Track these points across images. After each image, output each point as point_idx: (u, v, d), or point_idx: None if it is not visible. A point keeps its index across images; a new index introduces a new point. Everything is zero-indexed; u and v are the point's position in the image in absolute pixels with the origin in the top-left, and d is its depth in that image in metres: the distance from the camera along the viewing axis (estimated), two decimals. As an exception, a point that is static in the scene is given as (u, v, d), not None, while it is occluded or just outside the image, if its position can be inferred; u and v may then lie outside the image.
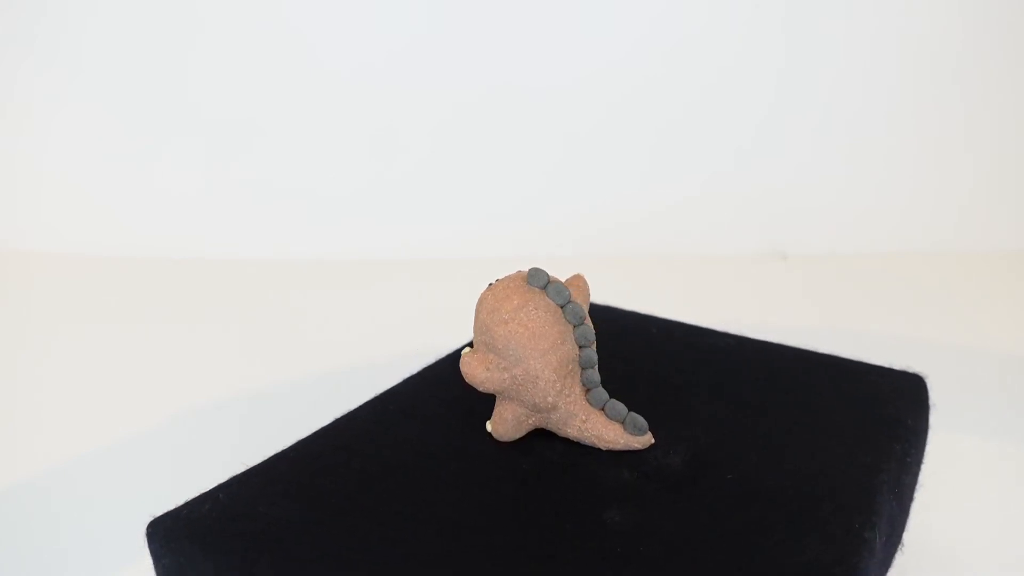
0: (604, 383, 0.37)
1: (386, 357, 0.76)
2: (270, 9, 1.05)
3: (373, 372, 0.73)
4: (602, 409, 0.37)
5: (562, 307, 0.35)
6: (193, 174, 1.10)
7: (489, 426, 0.38)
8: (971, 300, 0.92)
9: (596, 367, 0.36)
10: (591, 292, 0.39)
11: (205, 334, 0.85)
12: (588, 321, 0.36)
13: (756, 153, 1.09)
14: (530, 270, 0.35)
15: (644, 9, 1.05)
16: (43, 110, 1.09)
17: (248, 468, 0.37)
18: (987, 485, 0.57)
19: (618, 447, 0.37)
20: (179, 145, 1.10)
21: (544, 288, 0.35)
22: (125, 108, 1.08)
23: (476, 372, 0.35)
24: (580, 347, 0.35)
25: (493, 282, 0.36)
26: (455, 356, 0.46)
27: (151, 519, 0.34)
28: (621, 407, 0.36)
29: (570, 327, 0.35)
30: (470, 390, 0.39)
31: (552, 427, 0.37)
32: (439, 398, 0.42)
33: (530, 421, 0.37)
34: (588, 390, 0.36)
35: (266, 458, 0.38)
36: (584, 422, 0.36)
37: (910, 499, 0.43)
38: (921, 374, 0.45)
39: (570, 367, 0.35)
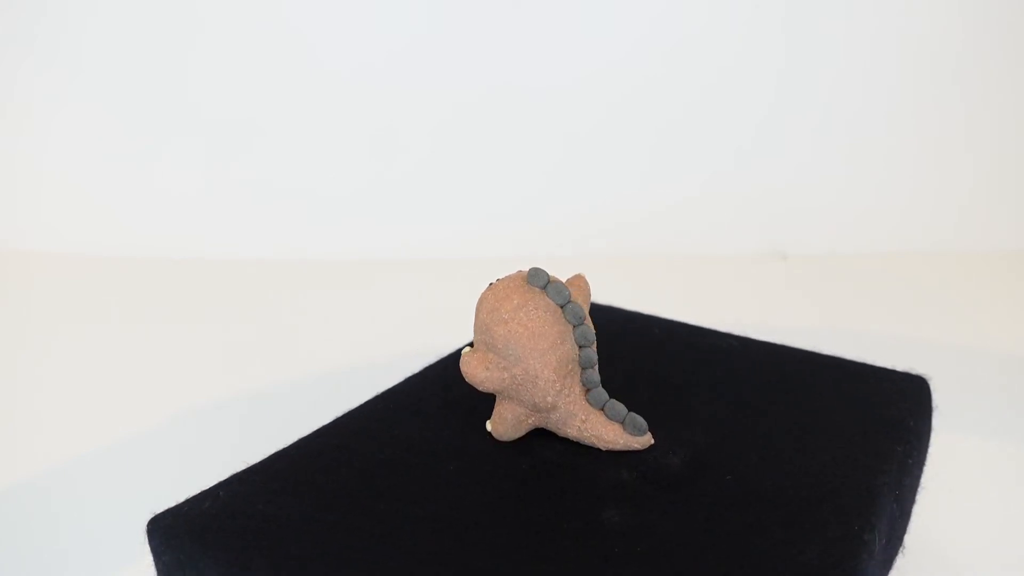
0: (605, 383, 0.37)
1: (386, 357, 0.76)
2: (270, 9, 1.05)
3: (373, 372, 0.73)
4: (602, 409, 0.37)
5: (562, 307, 0.35)
6: (193, 174, 1.10)
7: (489, 425, 0.38)
8: (971, 300, 0.92)
9: (596, 367, 0.36)
10: (591, 292, 0.39)
11: (205, 334, 0.85)
12: (588, 321, 0.36)
13: (756, 153, 1.09)
14: (530, 270, 0.35)
15: (644, 9, 1.05)
16: (43, 110, 1.09)
17: (248, 466, 0.37)
18: (988, 486, 0.56)
19: (617, 447, 0.37)
20: (179, 145, 1.10)
21: (544, 288, 0.35)
22: (125, 108, 1.08)
23: (476, 371, 0.35)
24: (580, 347, 0.35)
25: (493, 282, 0.36)
26: (456, 356, 0.46)
27: (151, 516, 0.34)
28: (621, 407, 0.36)
29: (570, 327, 0.35)
30: (470, 389, 0.39)
31: (552, 427, 0.37)
32: (439, 397, 0.42)
33: (530, 421, 0.37)
34: (588, 390, 0.36)
35: (266, 456, 0.38)
36: (584, 422, 0.36)
37: (911, 501, 0.42)
38: (925, 376, 0.45)
39: (570, 367, 0.35)
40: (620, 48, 1.06)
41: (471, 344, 0.37)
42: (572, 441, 0.37)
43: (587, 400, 0.36)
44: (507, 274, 0.37)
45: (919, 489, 0.44)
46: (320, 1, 1.05)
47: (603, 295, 0.52)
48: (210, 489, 0.35)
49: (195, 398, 0.70)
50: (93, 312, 0.91)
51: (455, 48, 1.06)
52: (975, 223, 1.08)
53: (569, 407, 0.36)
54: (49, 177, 1.10)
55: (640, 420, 0.37)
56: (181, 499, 0.35)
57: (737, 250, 1.07)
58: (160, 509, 0.35)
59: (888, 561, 0.39)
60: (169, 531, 0.33)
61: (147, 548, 0.34)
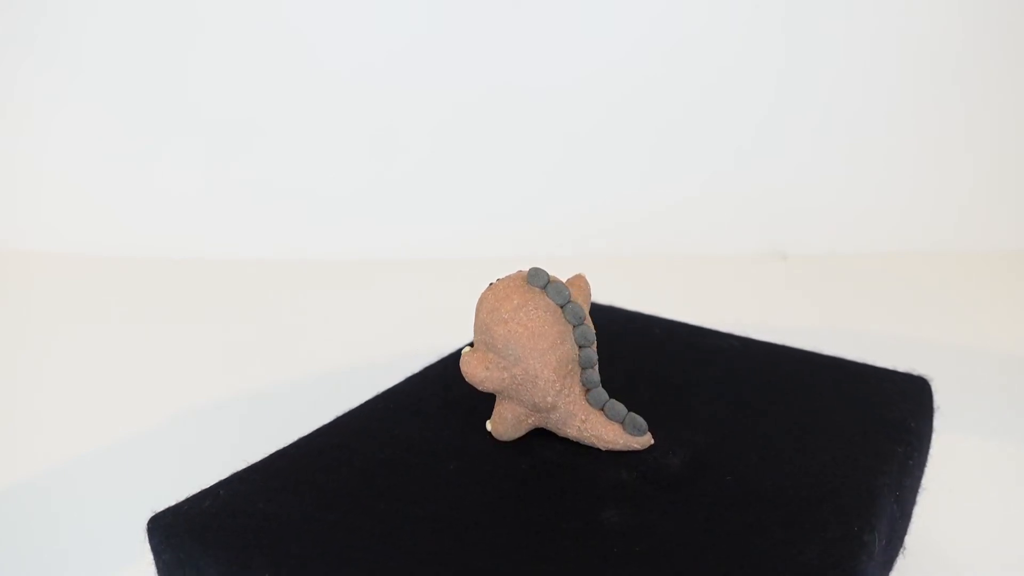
0: (605, 383, 0.37)
1: (386, 357, 0.76)
2: (270, 9, 1.05)
3: (373, 372, 0.73)
4: (602, 409, 0.37)
5: (562, 307, 0.35)
6: (193, 174, 1.10)
7: (489, 425, 0.38)
8: (971, 300, 0.92)
9: (596, 367, 0.36)
10: (592, 292, 0.39)
11: (205, 334, 0.85)
12: (588, 321, 0.36)
13: (756, 153, 1.09)
14: (530, 270, 0.35)
15: (644, 9, 1.05)
16: (43, 110, 1.09)
17: (249, 465, 0.37)
18: (988, 487, 0.56)
19: (617, 447, 0.37)
20: (179, 145, 1.10)
21: (544, 288, 0.35)
22: (125, 108, 1.08)
23: (476, 371, 0.35)
24: (580, 347, 0.35)
25: (494, 282, 0.36)
26: (457, 356, 0.46)
27: (152, 514, 0.34)
28: (620, 407, 0.36)
29: (570, 327, 0.35)
30: (471, 389, 0.39)
31: (552, 427, 0.37)
32: (440, 397, 0.42)
33: (530, 421, 0.37)
34: (588, 390, 0.36)
35: (266, 455, 0.38)
36: (584, 422, 0.36)
37: (912, 502, 0.42)
38: (926, 377, 0.45)
39: (569, 367, 0.35)
40: (620, 48, 1.06)
41: (471, 344, 0.37)
42: (572, 441, 0.37)
43: (587, 400, 0.36)
44: (507, 274, 0.37)
45: (920, 490, 0.44)
46: (320, 1, 1.05)
47: (603, 295, 0.52)
48: (210, 488, 0.35)
49: (195, 398, 0.70)
50: (93, 312, 0.91)
51: (455, 48, 1.06)
52: (975, 223, 1.08)
53: (569, 407, 0.36)
54: (49, 177, 1.10)
55: (640, 420, 0.37)
56: (181, 499, 0.35)
57: (737, 250, 1.07)
58: (160, 509, 0.35)
59: (888, 562, 0.39)
60: (169, 529, 0.33)
61: (147, 548, 0.34)
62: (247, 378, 0.73)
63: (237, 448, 0.43)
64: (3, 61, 1.07)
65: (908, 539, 0.43)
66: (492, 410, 0.38)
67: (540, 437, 0.38)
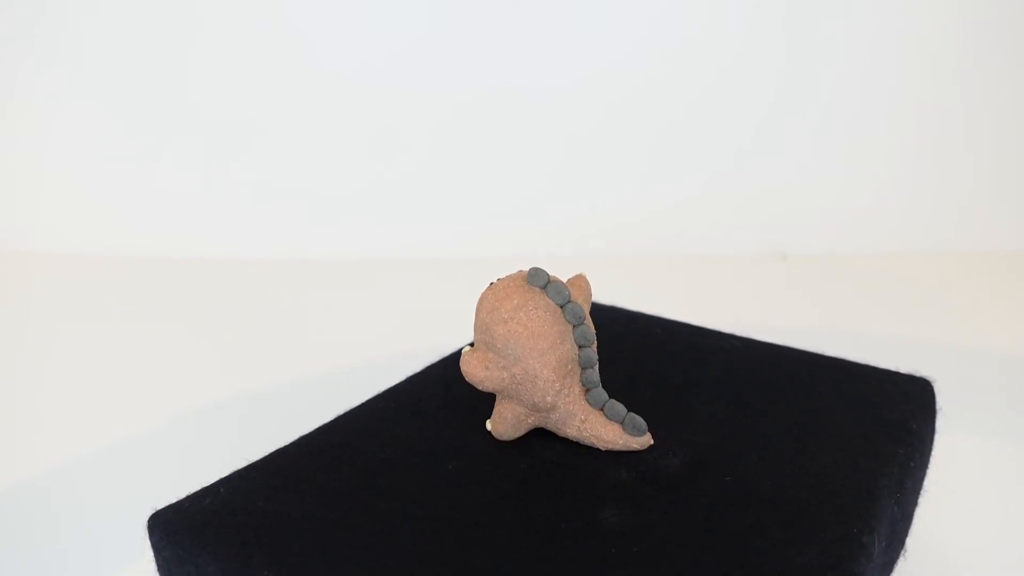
0: (606, 383, 0.37)
1: (386, 357, 0.76)
2: (270, 9, 1.05)
3: (373, 372, 0.73)
4: (601, 409, 0.37)
5: (562, 307, 0.35)
6: (193, 174, 1.10)
7: (489, 425, 0.38)
8: (971, 300, 0.92)
9: (596, 367, 0.36)
10: (592, 292, 0.39)
11: (205, 334, 0.85)
12: (588, 321, 0.36)
13: (756, 153, 1.09)
14: (530, 270, 0.35)
15: (644, 9, 1.05)
16: (43, 110, 1.09)
17: (249, 463, 0.37)
18: (989, 488, 0.56)
19: (617, 447, 0.37)
20: (179, 145, 1.10)
21: (544, 288, 0.35)
22: (125, 108, 1.08)
23: (475, 371, 0.35)
24: (580, 347, 0.35)
25: (494, 281, 0.36)
26: (457, 355, 0.46)
27: (152, 512, 0.34)
28: (620, 407, 0.36)
29: (569, 327, 0.35)
30: (471, 389, 0.39)
31: (551, 427, 0.37)
32: (440, 397, 0.42)
33: (529, 420, 0.37)
34: (588, 390, 0.36)
35: (267, 453, 0.38)
36: (583, 422, 0.36)
37: (914, 504, 0.42)
38: (929, 378, 0.44)
39: (569, 367, 0.35)
40: (620, 48, 1.06)
41: (472, 344, 0.37)
42: (572, 441, 0.37)
43: (587, 400, 0.36)
44: (507, 274, 0.37)
45: (921, 492, 0.43)
46: (320, 1, 1.05)
47: (603, 295, 0.51)
48: (211, 485, 0.36)
49: (195, 398, 0.70)
50: (93, 312, 0.91)
51: (455, 48, 1.06)
52: (975, 223, 1.08)
53: (569, 407, 0.36)
54: (49, 177, 1.11)
55: (639, 420, 0.37)
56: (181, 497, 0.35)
57: (737, 250, 1.07)
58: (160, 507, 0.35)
59: (889, 564, 0.38)
60: (169, 527, 0.33)
61: (147, 549, 0.34)
62: (247, 378, 0.73)
63: (237, 448, 0.43)
64: (3, 61, 1.07)
65: (909, 541, 0.43)
66: (492, 410, 0.38)
67: (540, 437, 0.38)
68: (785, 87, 1.07)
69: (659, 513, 0.33)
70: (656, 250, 1.07)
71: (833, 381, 0.43)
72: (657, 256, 1.06)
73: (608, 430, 0.36)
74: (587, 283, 0.39)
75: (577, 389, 0.36)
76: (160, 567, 0.34)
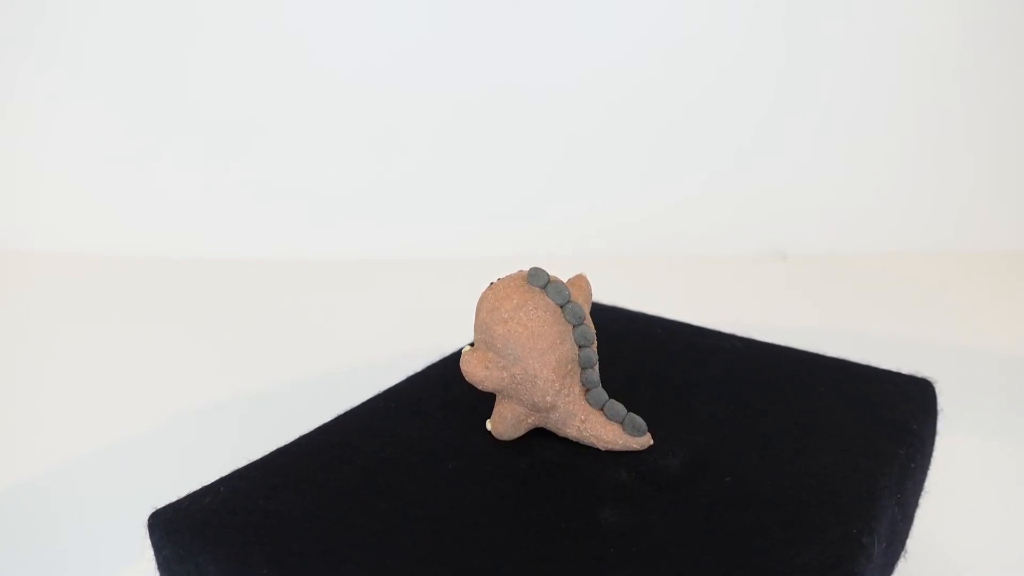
0: (606, 383, 0.37)
1: (386, 357, 0.76)
2: (270, 9, 1.05)
3: (373, 372, 0.73)
4: (601, 409, 0.36)
5: (562, 307, 0.35)
6: (193, 174, 1.10)
7: (489, 425, 0.38)
8: (971, 300, 0.92)
9: (596, 367, 0.36)
10: (593, 292, 0.39)
11: (205, 334, 0.85)
12: (588, 321, 0.36)
13: (756, 153, 1.09)
14: (530, 270, 0.35)
15: (644, 9, 1.05)
16: (43, 110, 1.09)
17: (250, 462, 0.37)
18: (989, 488, 0.56)
19: (617, 448, 0.37)
20: (179, 145, 1.10)
21: (544, 288, 0.35)
22: (125, 108, 1.08)
23: (475, 370, 0.35)
24: (579, 347, 0.35)
25: (494, 281, 0.36)
26: (458, 355, 0.46)
27: (153, 511, 0.34)
28: (620, 408, 0.36)
29: (569, 327, 0.35)
30: (471, 389, 0.39)
31: (551, 427, 0.37)
32: (440, 396, 0.42)
33: (529, 420, 0.37)
34: (587, 390, 0.36)
35: (267, 453, 0.38)
36: (583, 422, 0.36)
37: (914, 505, 0.42)
38: (930, 379, 0.44)
39: (569, 367, 0.35)
40: (620, 48, 1.06)
41: (472, 343, 0.37)
42: (572, 441, 0.37)
43: (587, 400, 0.36)
44: (507, 274, 0.37)
45: (922, 493, 0.43)
46: (320, 1, 1.05)
47: (604, 295, 0.51)
48: (211, 484, 0.36)
49: (195, 398, 0.70)
50: (93, 312, 0.91)
51: (455, 48, 1.06)
52: (975, 223, 1.08)
53: (568, 407, 0.36)
54: (49, 177, 1.11)
55: (639, 421, 0.37)
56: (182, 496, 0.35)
57: (737, 250, 1.07)
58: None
59: (889, 565, 0.38)
60: (170, 525, 0.33)
61: (147, 549, 0.34)
62: (247, 378, 0.73)
63: (237, 448, 0.43)
64: (3, 61, 1.07)
65: (910, 542, 0.43)
66: (492, 410, 0.38)
67: (540, 437, 0.38)
68: (785, 87, 1.07)
69: (659, 513, 0.33)
70: (656, 250, 1.07)
71: (833, 381, 0.43)
72: (657, 256, 1.06)
73: (608, 430, 0.36)
74: (587, 283, 0.39)
75: (577, 389, 0.36)
76: (160, 565, 0.34)
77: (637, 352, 0.47)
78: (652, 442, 0.37)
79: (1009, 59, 1.04)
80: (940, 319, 0.86)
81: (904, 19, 1.03)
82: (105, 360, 0.79)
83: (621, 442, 0.37)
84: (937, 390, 0.44)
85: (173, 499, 0.35)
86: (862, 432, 0.39)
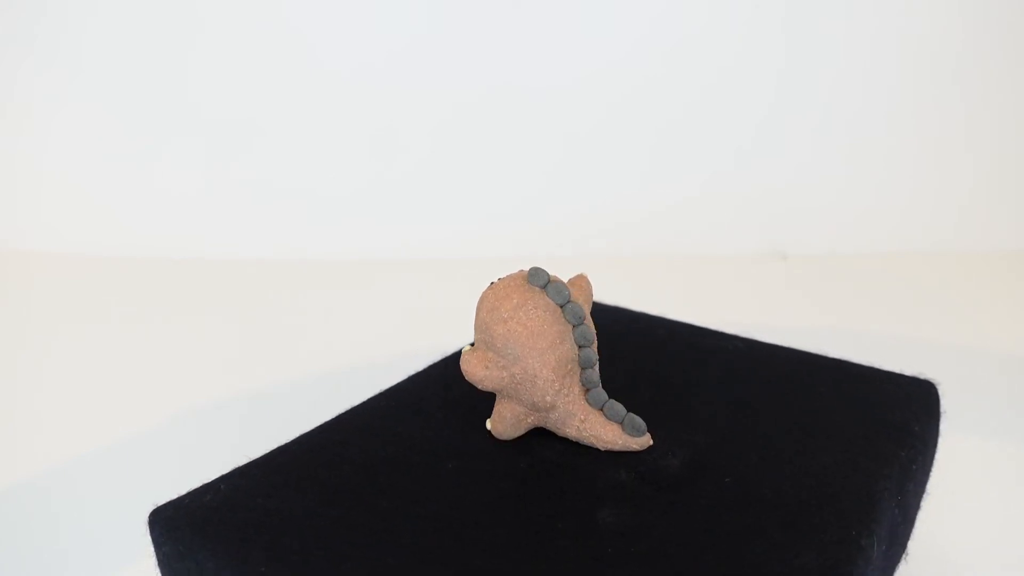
0: (606, 383, 0.37)
1: (386, 357, 0.76)
2: (270, 9, 1.05)
3: (373, 372, 0.73)
4: (601, 409, 0.36)
5: (562, 307, 0.35)
6: (193, 174, 1.10)
7: (489, 424, 0.38)
8: (971, 300, 0.92)
9: (596, 367, 0.36)
10: (594, 292, 0.39)
11: (205, 334, 0.85)
12: (588, 321, 0.36)
13: (756, 153, 1.09)
14: (531, 269, 0.35)
15: (644, 9, 1.05)
16: (43, 110, 1.09)
17: (250, 460, 0.37)
18: (990, 490, 0.56)
19: (616, 448, 0.37)
20: (179, 145, 1.10)
21: (544, 287, 0.35)
22: (125, 108, 1.09)
23: (475, 370, 0.35)
24: (579, 347, 0.35)
25: (495, 281, 0.36)
26: (459, 355, 0.46)
27: (153, 508, 0.34)
28: (620, 408, 0.36)
29: (569, 327, 0.35)
30: (471, 388, 0.39)
31: (551, 426, 0.37)
32: (441, 396, 0.42)
33: (529, 420, 0.37)
34: (587, 390, 0.36)
35: (268, 451, 0.38)
36: (583, 422, 0.36)
37: (916, 507, 0.42)
38: (933, 380, 0.44)
39: (569, 367, 0.35)
40: (620, 48, 1.06)
41: (472, 343, 0.37)
42: (571, 441, 0.37)
43: (586, 400, 0.36)
44: (507, 274, 0.37)
45: (924, 495, 0.43)
46: (320, 1, 1.05)
47: (604, 295, 0.52)
48: (211, 482, 0.36)
49: (195, 398, 0.70)
50: (93, 312, 0.91)
51: (455, 48, 1.06)
52: (975, 223, 1.08)
53: (568, 407, 0.36)
54: (49, 177, 1.11)
55: (639, 421, 0.37)
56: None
57: (737, 250, 1.07)
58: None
59: (889, 567, 0.38)
60: (170, 522, 0.33)
61: (147, 549, 0.34)
62: (247, 378, 0.73)
63: (237, 448, 0.43)
64: (3, 61, 1.07)
65: (911, 544, 0.42)
66: (492, 409, 0.38)
67: (539, 437, 0.38)
68: (785, 87, 1.07)
69: (658, 514, 0.33)
70: (656, 250, 1.07)
71: (835, 382, 0.43)
72: (657, 256, 1.06)
73: (607, 430, 0.36)
74: (588, 283, 0.39)
75: (577, 389, 0.36)
76: (160, 563, 0.34)
77: (637, 352, 0.47)
78: (652, 442, 0.37)
79: (1009, 59, 1.04)
80: (940, 319, 0.86)
81: (904, 19, 1.03)
82: (105, 360, 0.79)
83: (621, 442, 0.37)
84: (939, 392, 0.44)
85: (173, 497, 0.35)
86: (863, 433, 0.38)
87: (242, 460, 0.37)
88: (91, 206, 1.10)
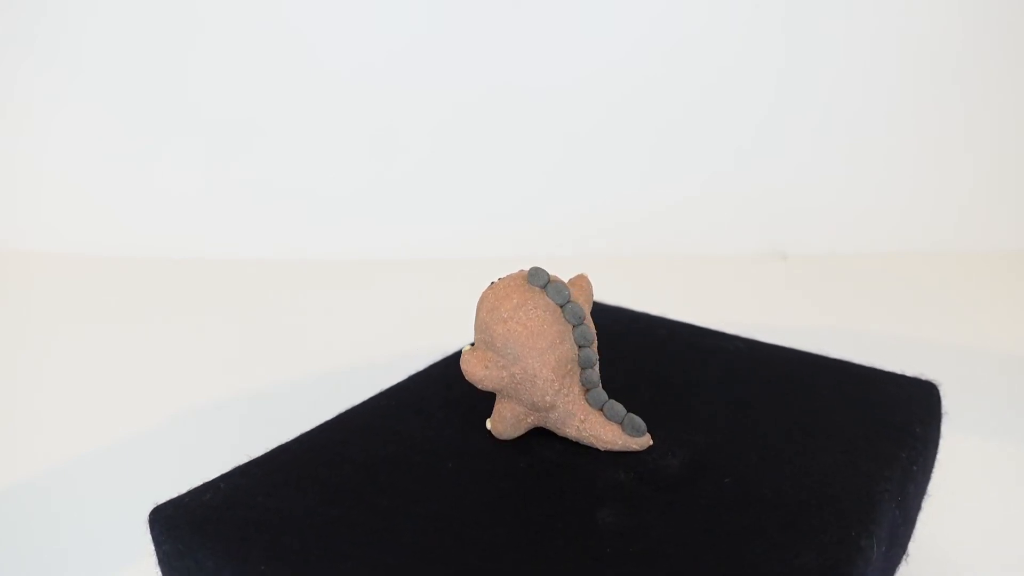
0: (606, 383, 0.37)
1: (386, 357, 0.76)
2: (270, 9, 1.05)
3: (373, 372, 0.73)
4: (601, 409, 0.36)
5: (561, 307, 0.35)
6: (193, 174, 1.10)
7: (489, 424, 0.38)
8: (971, 300, 0.92)
9: (596, 367, 0.36)
10: (594, 292, 0.39)
11: (205, 334, 0.85)
12: (588, 321, 0.36)
13: (756, 153, 1.09)
14: (531, 269, 0.35)
15: (644, 9, 1.05)
16: (43, 110, 1.09)
17: (251, 459, 0.37)
18: (991, 490, 0.56)
19: (616, 448, 0.37)
20: (179, 145, 1.10)
21: (544, 287, 0.35)
22: (125, 108, 1.09)
23: (475, 370, 0.35)
24: (579, 347, 0.35)
25: (495, 281, 0.36)
26: (459, 355, 0.46)
27: (154, 507, 0.34)
28: (620, 408, 0.36)
29: (569, 327, 0.35)
30: (472, 388, 0.39)
31: (551, 426, 0.37)
32: (441, 396, 0.42)
33: (529, 420, 0.37)
34: (587, 390, 0.36)
35: (268, 450, 0.38)
36: (583, 422, 0.36)
37: (916, 508, 0.42)
38: (935, 381, 0.44)
39: (569, 367, 0.35)
40: (620, 48, 1.06)
41: (473, 343, 0.37)
42: (571, 441, 0.37)
43: (586, 400, 0.36)
44: (507, 274, 0.37)
45: (925, 496, 0.43)
46: (320, 1, 1.05)
47: (604, 295, 0.52)
48: (211, 481, 0.36)
49: (195, 398, 0.70)
50: (93, 312, 0.91)
51: (455, 48, 1.06)
52: (975, 223, 1.08)
53: (568, 407, 0.36)
54: (49, 177, 1.11)
55: (639, 421, 0.37)
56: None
57: (737, 250, 1.07)
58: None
59: (890, 568, 0.38)
60: (170, 521, 0.33)
61: (147, 549, 0.34)
62: (247, 378, 0.73)
63: (237, 448, 0.43)
64: (3, 61, 1.07)
65: (912, 545, 0.42)
66: (492, 409, 0.38)
67: (539, 436, 0.38)
68: (785, 87, 1.07)
69: (657, 514, 0.33)
70: (656, 250, 1.07)
71: (835, 383, 0.43)
72: (657, 256, 1.06)
73: (607, 430, 0.36)
74: (588, 283, 0.39)
75: (576, 389, 0.36)
76: (160, 561, 0.34)
77: (637, 352, 0.47)
78: (651, 442, 0.37)
79: (1009, 59, 1.04)
80: (940, 319, 0.86)
81: (904, 19, 1.03)
82: (105, 360, 0.79)
83: (620, 442, 0.37)
84: (941, 392, 0.44)
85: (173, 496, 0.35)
86: (863, 434, 0.38)
87: (242, 459, 0.37)
88: (91, 206, 1.10)
